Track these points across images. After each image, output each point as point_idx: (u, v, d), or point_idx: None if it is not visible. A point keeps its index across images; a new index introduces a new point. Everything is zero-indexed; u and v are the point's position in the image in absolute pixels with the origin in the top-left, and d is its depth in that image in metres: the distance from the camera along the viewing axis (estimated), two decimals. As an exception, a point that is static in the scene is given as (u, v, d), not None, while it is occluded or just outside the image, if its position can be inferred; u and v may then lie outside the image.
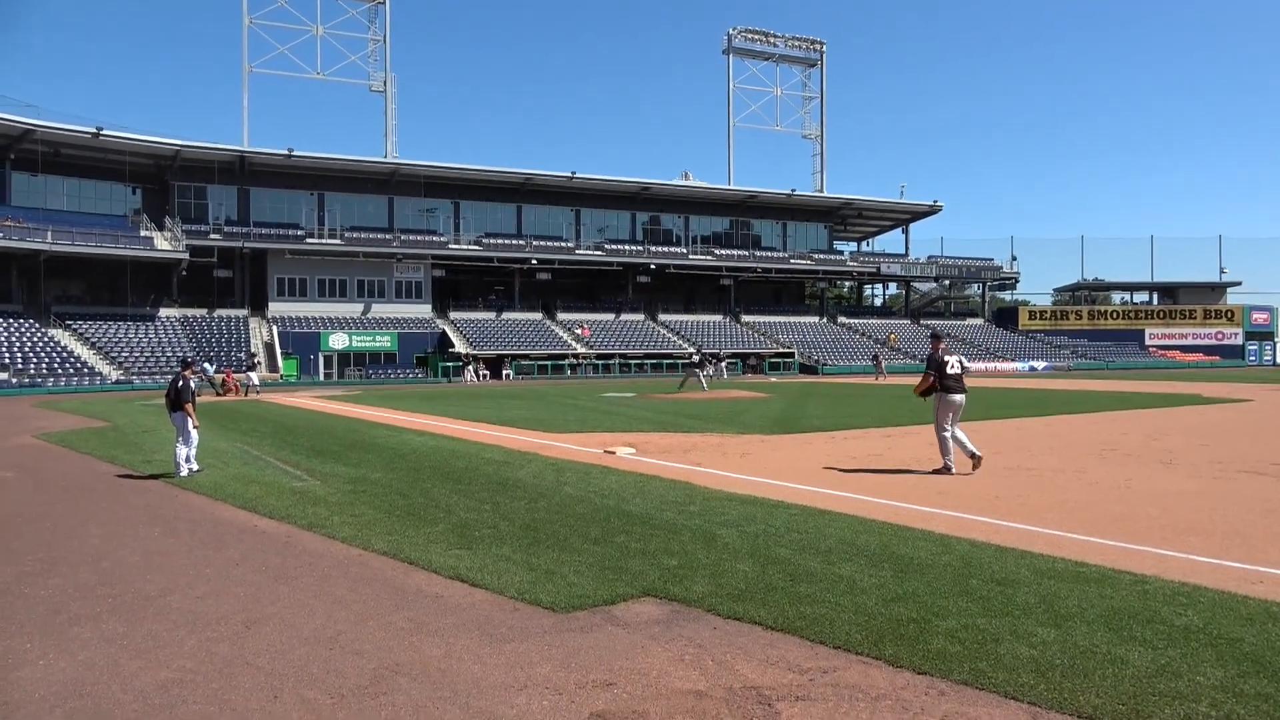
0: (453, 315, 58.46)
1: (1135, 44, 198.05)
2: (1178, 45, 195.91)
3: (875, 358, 51.99)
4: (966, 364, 10.75)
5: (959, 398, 10.64)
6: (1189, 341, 74.10)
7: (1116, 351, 70.29)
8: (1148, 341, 74.00)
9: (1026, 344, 70.81)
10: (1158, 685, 4.02)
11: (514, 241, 61.14)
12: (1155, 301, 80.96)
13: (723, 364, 55.33)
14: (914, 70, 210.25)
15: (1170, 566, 6.11)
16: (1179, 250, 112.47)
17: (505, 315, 60.27)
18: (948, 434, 10.63)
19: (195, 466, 11.50)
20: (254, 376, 31.27)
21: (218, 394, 33.17)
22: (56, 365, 41.08)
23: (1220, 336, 74.65)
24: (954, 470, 10.57)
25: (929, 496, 9.10)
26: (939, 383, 10.59)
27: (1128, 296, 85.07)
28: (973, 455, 10.41)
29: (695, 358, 36.61)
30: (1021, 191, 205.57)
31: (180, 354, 43.44)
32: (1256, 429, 17.15)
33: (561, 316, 61.41)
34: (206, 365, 38.03)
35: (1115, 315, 77.53)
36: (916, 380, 11.47)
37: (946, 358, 10.72)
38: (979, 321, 76.92)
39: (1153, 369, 62.49)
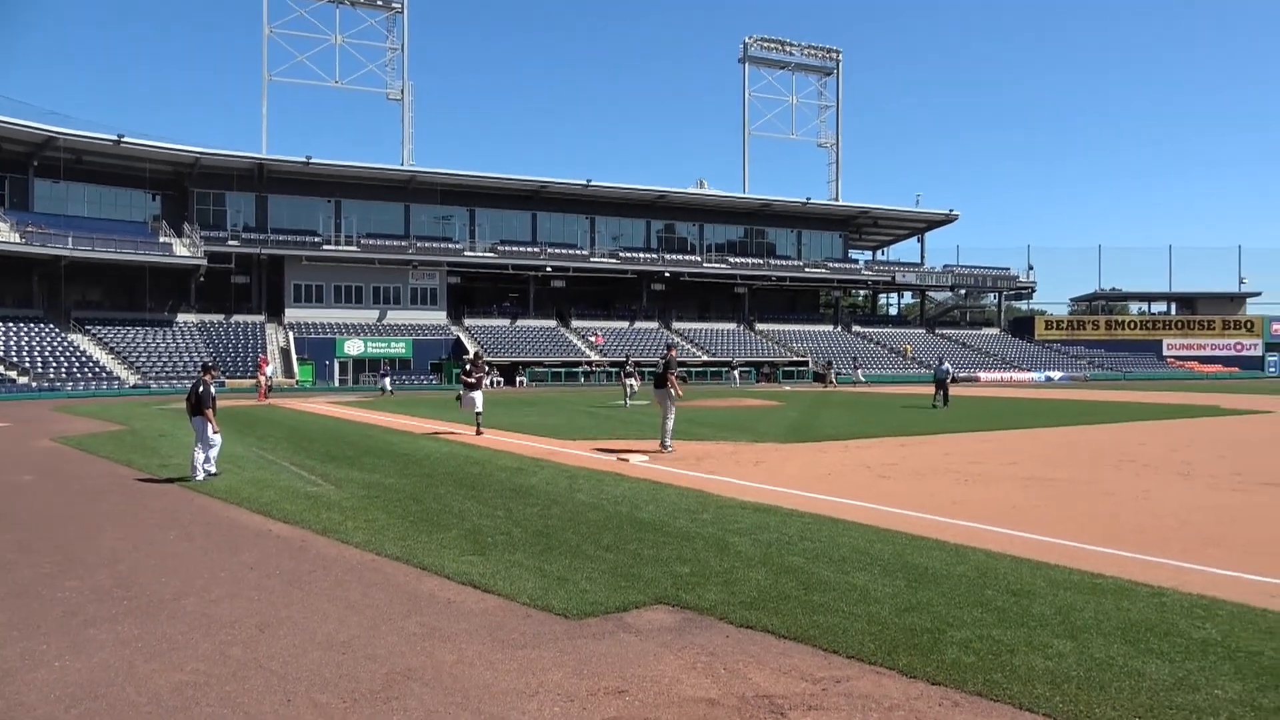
0: (467, 322, 58.65)
1: (1152, 51, 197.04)
2: (1195, 51, 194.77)
3: (827, 364, 51.61)
4: None
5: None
6: (1207, 352, 73.49)
7: (1134, 362, 69.73)
8: (1165, 352, 73.41)
9: (1043, 354, 70.36)
10: (1175, 698, 3.98)
11: (529, 249, 61.31)
12: (1173, 311, 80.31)
13: (736, 371, 55.27)
14: (930, 80, 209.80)
15: (1189, 579, 6.05)
16: (1197, 260, 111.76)
17: (520, 322, 60.41)
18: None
19: (213, 470, 11.56)
20: (387, 383, 30.98)
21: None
22: (75, 369, 41.46)
23: (1239, 347, 74.04)
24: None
25: (944, 506, 9.04)
26: (674, 380, 13.71)
27: (1145, 306, 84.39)
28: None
29: (628, 366, 34.18)
30: (1038, 201, 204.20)
31: (199, 359, 43.80)
32: (1277, 441, 16.96)
33: (576, 324, 61.49)
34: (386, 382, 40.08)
35: (1133, 325, 76.90)
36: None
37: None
38: (995, 331, 76.53)
39: (1171, 380, 61.92)
